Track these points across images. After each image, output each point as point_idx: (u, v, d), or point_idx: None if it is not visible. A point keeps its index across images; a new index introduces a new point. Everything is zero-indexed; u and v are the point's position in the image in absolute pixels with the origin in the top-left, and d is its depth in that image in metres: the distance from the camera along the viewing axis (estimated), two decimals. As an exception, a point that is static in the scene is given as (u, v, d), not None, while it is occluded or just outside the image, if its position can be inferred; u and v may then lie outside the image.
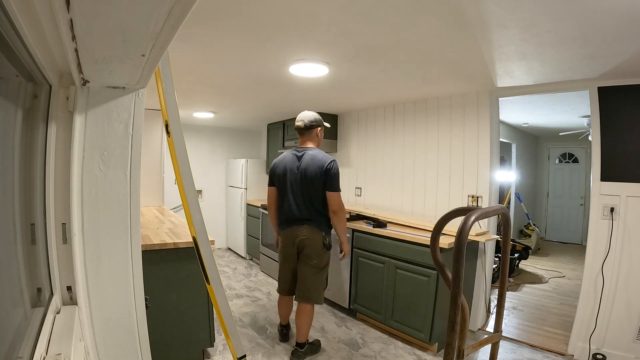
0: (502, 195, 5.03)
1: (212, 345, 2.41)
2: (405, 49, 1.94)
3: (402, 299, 2.70)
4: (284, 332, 2.77)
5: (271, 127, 5.20)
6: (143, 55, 0.93)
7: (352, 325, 3.03)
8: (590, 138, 2.63)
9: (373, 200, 3.86)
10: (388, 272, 2.80)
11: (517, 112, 4.38)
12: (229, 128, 5.87)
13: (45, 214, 1.18)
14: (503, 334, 1.79)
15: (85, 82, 1.16)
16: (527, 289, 4.06)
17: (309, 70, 2.33)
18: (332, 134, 4.30)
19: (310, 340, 2.60)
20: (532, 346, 2.66)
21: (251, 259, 5.19)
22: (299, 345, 2.51)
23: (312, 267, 2.46)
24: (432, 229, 1.39)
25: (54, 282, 1.19)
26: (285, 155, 2.55)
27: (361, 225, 3.11)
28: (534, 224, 6.04)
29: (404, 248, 2.69)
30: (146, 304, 1.40)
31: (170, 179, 5.34)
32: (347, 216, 3.37)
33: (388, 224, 3.11)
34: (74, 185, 1.20)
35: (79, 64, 0.99)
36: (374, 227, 3.00)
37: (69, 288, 1.22)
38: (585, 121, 4.36)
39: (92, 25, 0.76)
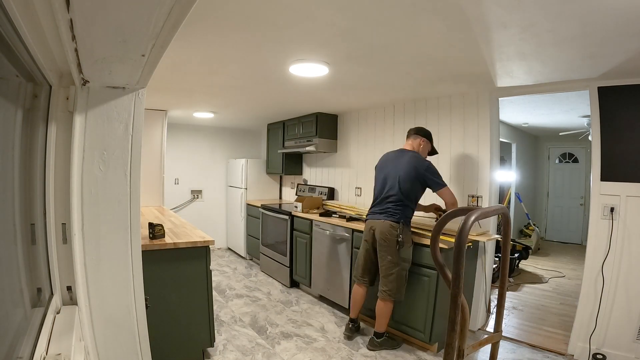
0: (502, 195, 5.03)
1: (212, 345, 2.41)
2: (405, 49, 1.94)
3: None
4: (349, 327, 2.79)
5: (271, 127, 5.20)
6: (143, 55, 0.93)
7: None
8: (590, 138, 2.63)
9: (373, 200, 3.86)
10: (388, 272, 2.79)
11: (517, 112, 4.38)
12: (229, 128, 5.87)
13: (45, 214, 1.18)
14: (503, 334, 1.79)
15: (85, 82, 1.16)
16: (527, 289, 4.06)
17: (309, 70, 2.33)
18: (332, 134, 4.30)
19: (388, 335, 2.65)
20: (532, 346, 2.66)
21: (251, 259, 5.19)
22: (375, 334, 2.63)
23: (389, 261, 2.53)
24: (431, 229, 1.39)
25: (54, 282, 1.19)
26: (388, 153, 2.85)
27: (361, 226, 3.10)
28: (534, 224, 6.04)
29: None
30: (146, 304, 1.40)
31: (171, 179, 5.35)
32: (347, 217, 3.38)
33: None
34: (74, 185, 1.20)
35: (79, 64, 0.99)
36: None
37: (69, 288, 1.22)
38: (585, 121, 4.36)
39: (92, 25, 0.76)
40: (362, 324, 2.94)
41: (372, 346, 2.60)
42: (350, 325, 2.79)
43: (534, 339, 2.78)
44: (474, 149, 2.93)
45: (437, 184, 2.54)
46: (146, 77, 1.18)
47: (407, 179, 2.54)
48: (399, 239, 2.49)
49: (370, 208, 2.75)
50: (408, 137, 2.79)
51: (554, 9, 1.40)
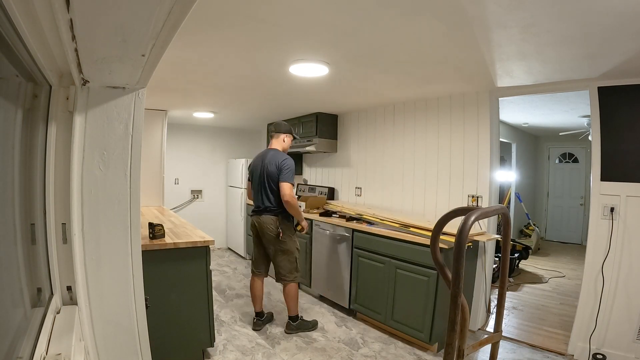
0: (502, 195, 5.03)
1: (212, 345, 2.41)
2: (405, 49, 1.94)
3: (402, 298, 2.70)
4: (256, 321, 2.96)
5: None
6: (143, 55, 0.93)
7: (352, 325, 3.03)
8: (590, 138, 2.63)
9: (373, 200, 3.86)
10: (388, 272, 2.80)
11: (517, 112, 4.38)
12: (229, 128, 5.87)
13: (45, 214, 1.17)
14: (503, 334, 1.79)
15: (85, 82, 1.16)
16: (527, 289, 4.06)
17: (309, 70, 2.33)
18: (332, 134, 4.30)
19: (304, 318, 2.96)
20: (532, 346, 2.66)
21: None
22: (290, 318, 2.87)
23: (276, 250, 2.81)
24: (431, 229, 1.39)
25: (54, 282, 1.19)
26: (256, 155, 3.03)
27: (361, 225, 3.10)
28: (534, 224, 6.04)
29: (404, 248, 2.69)
30: (146, 304, 1.40)
31: (171, 179, 5.35)
32: (347, 216, 3.38)
33: (386, 226, 3.11)
34: (74, 185, 1.20)
35: (79, 64, 0.99)
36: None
37: (69, 288, 1.22)
38: (585, 121, 4.36)
39: (92, 25, 0.76)
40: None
41: (290, 330, 2.85)
42: (255, 320, 2.97)
43: (534, 339, 2.78)
44: (474, 149, 2.93)
45: (283, 177, 2.72)
46: (146, 77, 1.17)
47: (274, 176, 2.74)
48: (279, 230, 2.75)
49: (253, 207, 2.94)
50: (272, 137, 2.98)
51: (554, 9, 1.40)
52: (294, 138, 3.06)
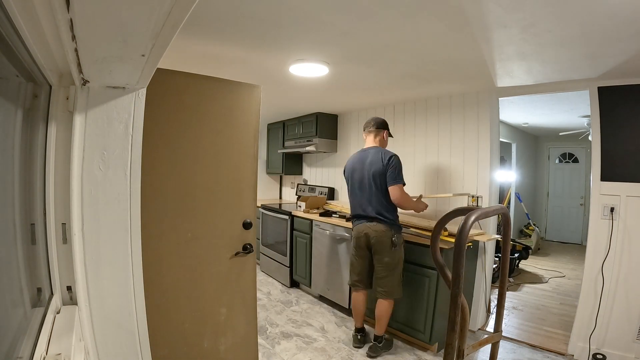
0: (502, 195, 5.03)
1: (212, 345, 2.40)
2: (405, 49, 1.94)
3: (402, 298, 2.70)
4: (358, 338, 2.68)
5: (271, 127, 5.20)
6: (143, 55, 0.93)
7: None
8: (590, 138, 2.63)
9: (373, 200, 3.86)
10: (388, 272, 2.80)
11: (517, 112, 4.38)
12: (229, 128, 5.86)
13: (45, 214, 1.17)
14: (503, 334, 1.79)
15: (85, 82, 1.16)
16: (527, 289, 4.06)
17: (309, 70, 2.33)
18: (332, 134, 4.30)
19: (386, 337, 2.62)
20: (532, 346, 2.67)
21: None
22: (376, 339, 2.57)
23: (384, 264, 2.49)
24: (431, 229, 1.39)
25: (54, 282, 1.19)
26: (353, 156, 2.73)
27: (361, 225, 3.10)
28: (534, 224, 6.04)
29: (403, 248, 2.69)
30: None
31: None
32: (347, 216, 3.38)
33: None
34: (74, 185, 1.20)
35: (79, 64, 0.99)
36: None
37: (69, 288, 1.22)
38: (585, 121, 4.36)
39: (92, 25, 0.76)
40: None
41: (375, 352, 2.52)
42: (359, 336, 2.69)
43: (534, 339, 2.78)
44: (474, 149, 2.93)
45: (392, 178, 2.42)
46: (146, 77, 1.17)
47: (383, 178, 2.45)
48: (393, 240, 2.48)
49: (354, 214, 2.65)
50: (369, 133, 2.66)
51: (554, 9, 1.40)
52: (390, 135, 2.74)
